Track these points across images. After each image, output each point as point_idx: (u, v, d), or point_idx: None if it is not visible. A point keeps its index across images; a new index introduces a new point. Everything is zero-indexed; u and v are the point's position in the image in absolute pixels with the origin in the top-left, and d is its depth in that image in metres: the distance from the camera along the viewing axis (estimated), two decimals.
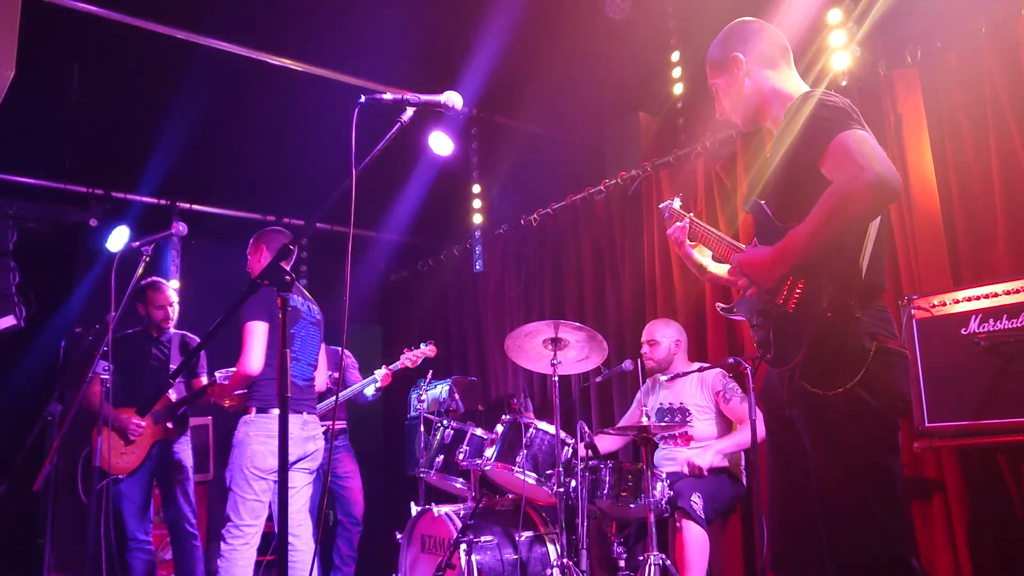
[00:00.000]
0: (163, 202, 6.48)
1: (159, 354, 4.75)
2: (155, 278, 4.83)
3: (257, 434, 3.59)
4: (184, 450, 4.67)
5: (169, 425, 4.59)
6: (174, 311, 4.84)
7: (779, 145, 2.22)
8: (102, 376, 3.99)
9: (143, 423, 4.49)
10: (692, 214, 2.69)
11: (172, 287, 5.01)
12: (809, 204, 2.02)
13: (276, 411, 3.57)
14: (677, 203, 2.77)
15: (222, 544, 3.52)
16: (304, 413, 3.77)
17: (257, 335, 3.57)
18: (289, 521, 3.27)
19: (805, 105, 2.13)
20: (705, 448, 4.04)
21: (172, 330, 4.87)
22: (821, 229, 1.99)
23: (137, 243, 3.86)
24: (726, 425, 4.25)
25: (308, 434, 3.76)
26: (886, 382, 2.03)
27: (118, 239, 5.80)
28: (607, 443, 4.67)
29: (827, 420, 2.06)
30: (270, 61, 5.08)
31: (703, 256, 2.65)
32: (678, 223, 2.66)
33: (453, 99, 2.40)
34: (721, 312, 2.51)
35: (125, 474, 4.45)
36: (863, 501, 1.99)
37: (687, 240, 2.64)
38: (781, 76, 2.33)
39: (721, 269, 2.62)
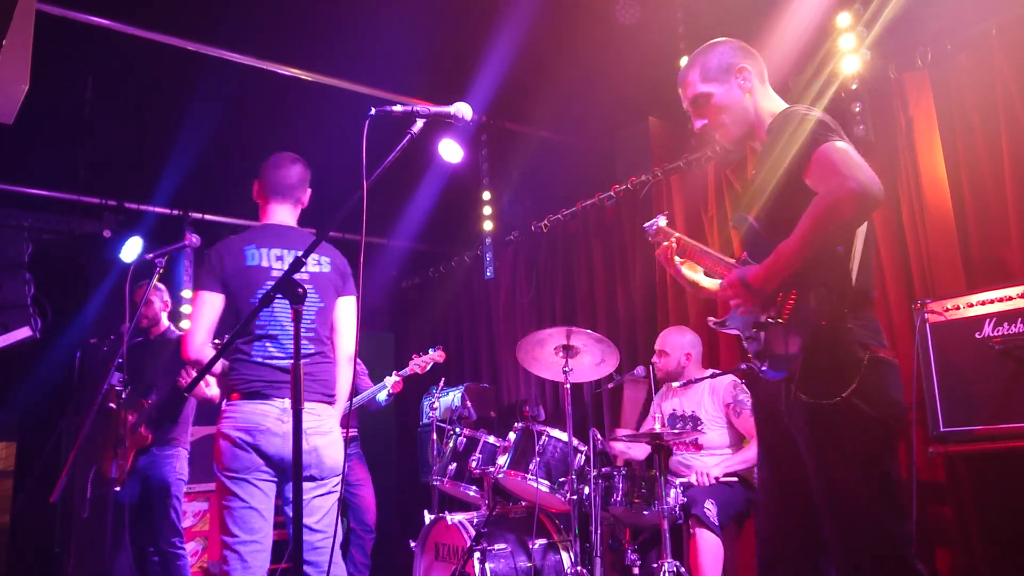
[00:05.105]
0: (176, 212, 6.53)
1: (143, 360, 4.60)
2: (144, 281, 4.51)
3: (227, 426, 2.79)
4: (167, 464, 4.42)
5: (143, 432, 4.37)
6: (151, 310, 4.67)
7: (764, 162, 2.25)
8: (117, 388, 3.99)
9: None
10: (678, 233, 2.60)
11: (160, 289, 4.74)
12: (796, 217, 2.06)
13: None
14: (663, 221, 2.67)
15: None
16: (284, 399, 2.80)
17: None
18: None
19: (787, 122, 2.18)
20: (717, 466, 4.04)
21: (171, 330, 4.73)
22: (809, 238, 2.04)
23: (151, 255, 3.88)
24: (737, 435, 4.23)
25: (286, 429, 2.74)
26: (880, 390, 2.05)
27: (132, 249, 5.85)
28: (627, 454, 4.63)
29: (827, 427, 2.07)
30: (281, 71, 5.11)
31: (695, 273, 2.58)
32: (665, 242, 2.58)
33: (462, 110, 2.40)
34: (713, 326, 2.45)
35: (114, 485, 4.17)
36: (867, 505, 2.01)
37: (676, 258, 2.57)
38: (770, 95, 2.37)
39: (714, 284, 2.57)
